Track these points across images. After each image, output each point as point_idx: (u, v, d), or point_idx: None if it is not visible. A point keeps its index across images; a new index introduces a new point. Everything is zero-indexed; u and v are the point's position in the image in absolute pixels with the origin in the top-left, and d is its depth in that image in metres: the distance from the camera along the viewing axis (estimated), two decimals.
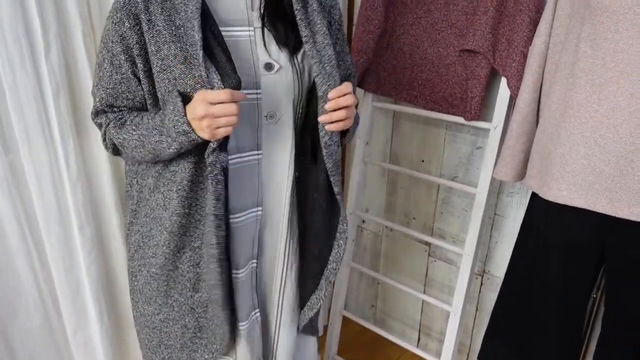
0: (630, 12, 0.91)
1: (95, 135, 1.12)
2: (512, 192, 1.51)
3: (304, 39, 0.86)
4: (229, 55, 0.80)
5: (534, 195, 1.19)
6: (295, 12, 0.87)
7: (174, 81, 0.80)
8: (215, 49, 0.79)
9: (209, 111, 0.74)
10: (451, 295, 1.77)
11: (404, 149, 1.74)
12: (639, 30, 0.90)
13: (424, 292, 1.84)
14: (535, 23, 1.22)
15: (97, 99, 0.87)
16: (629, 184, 0.96)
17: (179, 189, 0.86)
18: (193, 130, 0.78)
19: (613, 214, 1.00)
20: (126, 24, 0.79)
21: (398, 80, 1.51)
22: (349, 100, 0.84)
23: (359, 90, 1.62)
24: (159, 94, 0.84)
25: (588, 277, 1.15)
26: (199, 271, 0.91)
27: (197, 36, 0.77)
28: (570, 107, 1.02)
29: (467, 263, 1.46)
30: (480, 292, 1.69)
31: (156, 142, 0.81)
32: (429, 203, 1.73)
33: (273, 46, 0.87)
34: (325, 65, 0.86)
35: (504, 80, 1.30)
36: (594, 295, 1.31)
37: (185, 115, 0.77)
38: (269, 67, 0.86)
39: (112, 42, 0.82)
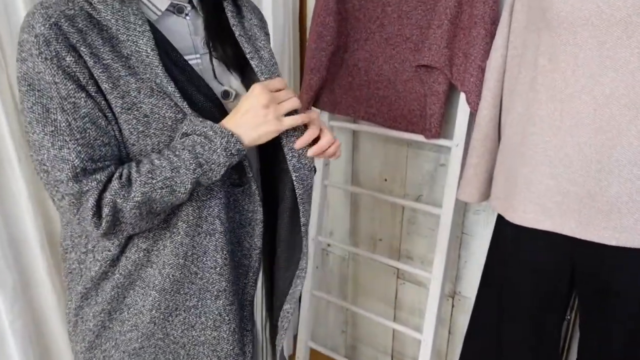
0: (588, 24, 0.85)
1: (12, 173, 0.99)
2: (479, 210, 1.45)
3: (248, 56, 0.78)
4: (194, 79, 0.74)
5: (500, 216, 1.13)
6: (233, 27, 0.78)
7: (145, 119, 0.68)
8: (179, 76, 0.71)
9: (273, 97, 0.72)
10: (422, 318, 1.70)
11: (365, 169, 1.66)
12: (598, 43, 0.85)
13: (394, 316, 1.76)
14: (492, 35, 1.17)
15: (73, 157, 0.65)
16: (598, 205, 0.90)
17: (173, 234, 0.75)
18: (243, 145, 0.72)
19: (582, 237, 0.94)
20: (68, 58, 0.63)
21: (355, 98, 1.44)
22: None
23: (315, 111, 1.54)
24: (125, 137, 0.69)
25: (560, 301, 1.09)
26: (195, 334, 0.79)
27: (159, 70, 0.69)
28: (532, 124, 0.96)
29: (435, 286, 1.38)
30: (452, 314, 1.62)
31: (198, 176, 0.69)
32: (395, 223, 1.65)
33: (224, 70, 0.78)
34: None
35: (463, 96, 1.24)
36: (568, 317, 1.25)
37: (233, 134, 0.70)
38: (226, 95, 0.77)
39: (55, 82, 0.63)
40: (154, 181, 0.67)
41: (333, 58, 1.43)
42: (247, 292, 0.86)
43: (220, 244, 0.77)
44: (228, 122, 0.71)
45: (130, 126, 0.68)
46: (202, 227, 0.75)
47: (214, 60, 0.77)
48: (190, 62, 0.74)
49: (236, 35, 0.78)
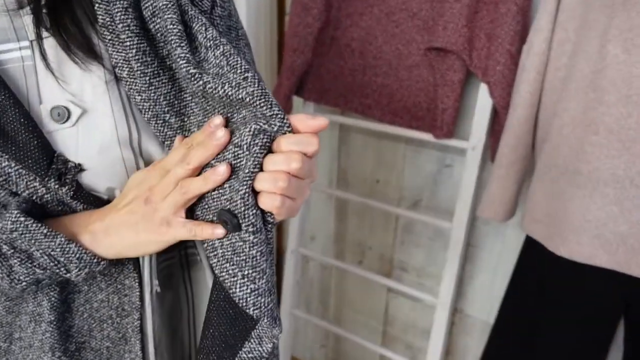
0: None
1: None
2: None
3: (112, 59, 0.45)
4: None
5: (531, 238, 0.92)
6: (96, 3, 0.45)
7: None
8: None
9: (166, 182, 0.43)
10: (416, 336, 1.51)
11: (354, 168, 1.42)
12: None
13: (384, 332, 1.56)
14: (524, 12, 0.94)
15: None
16: None
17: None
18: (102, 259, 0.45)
19: None
20: None
21: (346, 86, 1.18)
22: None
23: (298, 100, 1.28)
24: None
25: (606, 339, 0.90)
26: None
27: None
28: (593, 133, 0.74)
29: (442, 313, 1.17)
30: (452, 333, 1.43)
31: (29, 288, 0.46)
32: (387, 231, 1.43)
33: (72, 69, 0.45)
34: (141, 91, 0.45)
35: (484, 87, 1.01)
36: None
37: (99, 261, 0.45)
38: (61, 114, 0.44)
39: None
40: None
41: (320, 36, 1.16)
42: None
43: (49, 340, 0.48)
44: (93, 226, 0.44)
45: None
46: (27, 306, 0.48)
47: (55, 52, 0.44)
48: (9, 55, 0.44)
49: (97, 14, 0.45)
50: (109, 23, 0.44)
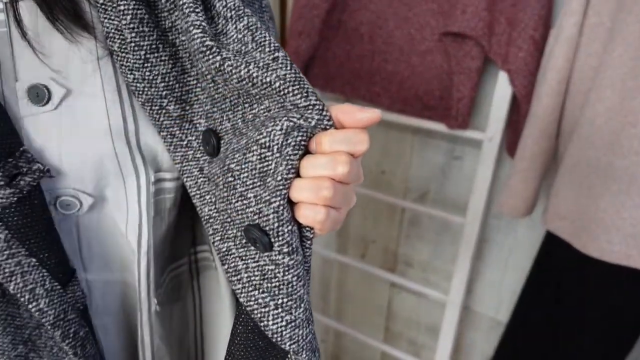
0: None
1: None
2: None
3: (105, 27, 0.38)
4: None
5: (552, 234, 0.87)
6: None
7: None
8: None
9: None
10: (420, 332, 1.47)
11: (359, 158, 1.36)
12: None
13: (386, 328, 1.52)
14: None
15: None
16: None
17: None
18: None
19: None
20: None
21: (354, 73, 1.12)
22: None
23: None
24: None
25: (625, 348, 0.86)
26: None
27: None
28: (631, 124, 0.68)
29: (452, 312, 1.13)
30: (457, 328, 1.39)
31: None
32: (392, 224, 1.38)
33: (55, 39, 0.37)
34: (150, 76, 0.38)
35: (502, 76, 0.96)
36: None
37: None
38: (40, 94, 0.36)
39: None
40: None
41: (328, 19, 1.09)
42: None
43: None
44: None
45: None
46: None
47: (34, 18, 0.36)
48: None
49: None
50: None
